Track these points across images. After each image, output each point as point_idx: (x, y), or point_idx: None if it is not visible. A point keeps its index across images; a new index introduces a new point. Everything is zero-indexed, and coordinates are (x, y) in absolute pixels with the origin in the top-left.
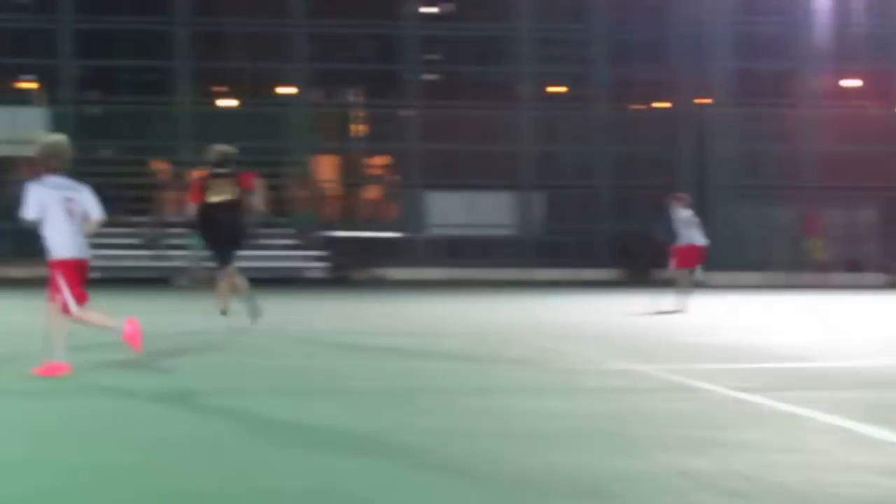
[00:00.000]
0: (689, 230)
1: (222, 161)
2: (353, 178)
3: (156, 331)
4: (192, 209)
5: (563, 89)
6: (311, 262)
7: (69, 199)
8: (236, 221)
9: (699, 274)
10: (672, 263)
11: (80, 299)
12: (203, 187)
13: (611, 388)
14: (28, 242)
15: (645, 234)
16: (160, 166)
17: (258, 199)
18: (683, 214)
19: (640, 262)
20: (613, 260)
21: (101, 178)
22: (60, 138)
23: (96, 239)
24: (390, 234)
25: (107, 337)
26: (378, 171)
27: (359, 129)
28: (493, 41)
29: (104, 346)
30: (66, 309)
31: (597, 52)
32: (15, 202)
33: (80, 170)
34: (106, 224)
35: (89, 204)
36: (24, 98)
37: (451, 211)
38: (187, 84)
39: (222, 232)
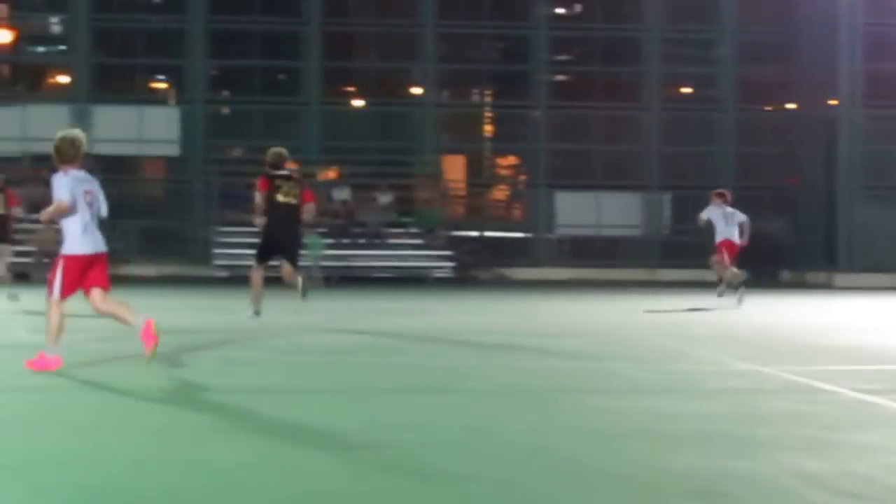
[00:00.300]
0: (730, 227)
1: (278, 162)
2: (479, 178)
3: (273, 328)
4: (259, 200)
5: (689, 90)
6: (436, 261)
7: (88, 193)
8: (297, 225)
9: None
10: (718, 259)
11: (103, 285)
12: (272, 185)
13: (731, 388)
14: (153, 241)
15: (769, 235)
16: (289, 166)
17: (310, 210)
18: (726, 211)
19: (766, 263)
20: (738, 261)
21: (229, 178)
22: (78, 131)
23: (224, 238)
24: (516, 234)
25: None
26: (505, 171)
27: (486, 129)
28: (621, 42)
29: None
30: (49, 292)
31: (724, 53)
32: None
33: (209, 168)
34: (235, 223)
35: (101, 198)
36: (155, 98)
37: (576, 211)
38: (316, 84)
39: (285, 233)
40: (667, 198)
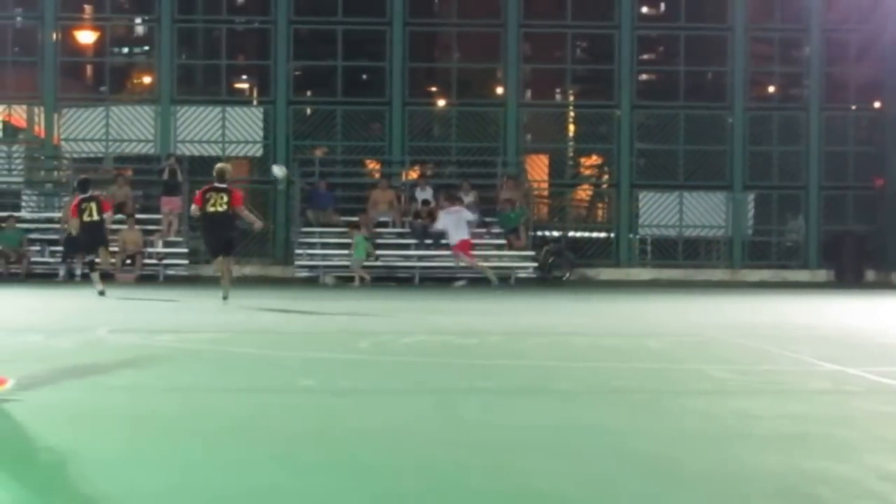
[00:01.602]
0: None
1: (220, 177)
2: (562, 178)
3: (356, 329)
4: (195, 212)
5: (774, 89)
6: (520, 262)
7: None
8: (226, 228)
9: None
10: None
11: None
12: (204, 198)
13: (816, 389)
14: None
15: (854, 235)
16: (372, 166)
17: (247, 213)
18: None
19: (851, 263)
20: (822, 261)
21: (312, 178)
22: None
23: (306, 239)
24: (599, 234)
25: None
26: (588, 171)
27: (569, 128)
28: (706, 40)
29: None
30: None
31: (810, 52)
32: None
33: (292, 169)
34: (318, 223)
35: None
36: (238, 99)
37: (659, 211)
38: (399, 84)
39: (216, 236)
40: (751, 198)
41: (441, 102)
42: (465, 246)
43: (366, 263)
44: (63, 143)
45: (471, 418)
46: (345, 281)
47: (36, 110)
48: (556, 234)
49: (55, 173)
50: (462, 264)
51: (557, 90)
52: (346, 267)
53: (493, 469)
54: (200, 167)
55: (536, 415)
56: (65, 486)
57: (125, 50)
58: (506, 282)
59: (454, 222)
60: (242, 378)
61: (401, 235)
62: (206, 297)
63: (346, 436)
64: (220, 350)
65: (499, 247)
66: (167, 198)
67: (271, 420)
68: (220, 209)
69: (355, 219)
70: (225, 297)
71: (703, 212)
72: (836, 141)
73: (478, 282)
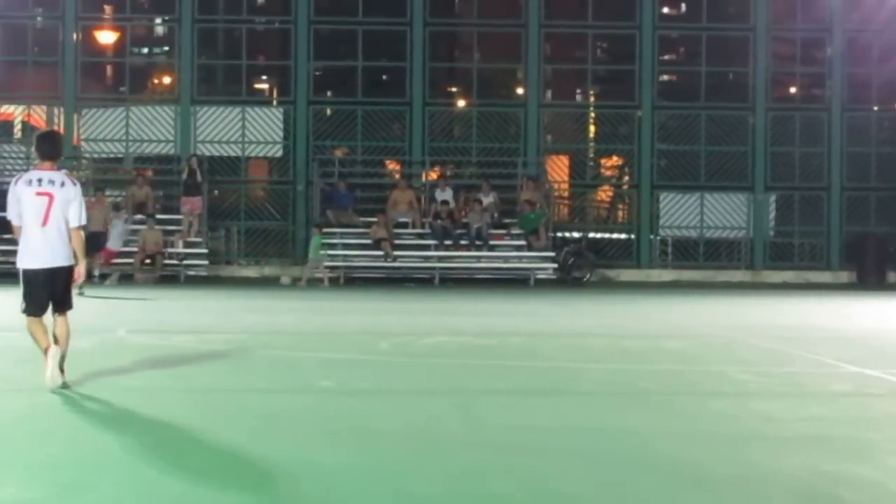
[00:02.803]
0: None
1: None
2: (583, 178)
3: (374, 331)
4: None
5: (796, 89)
6: (540, 263)
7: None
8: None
9: None
10: None
11: None
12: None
13: (838, 391)
14: (255, 241)
15: (877, 237)
16: (392, 166)
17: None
18: None
19: (873, 264)
20: (845, 262)
21: (332, 178)
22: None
23: (327, 240)
24: (619, 235)
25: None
26: (609, 172)
27: (590, 129)
28: (728, 41)
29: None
30: None
31: (832, 52)
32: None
33: (312, 169)
34: (340, 224)
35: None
36: (258, 99)
37: (680, 212)
38: (420, 84)
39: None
40: (772, 199)
41: (461, 103)
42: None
43: (385, 263)
44: (83, 143)
45: (490, 420)
46: (295, 281)
47: (56, 110)
48: (576, 234)
49: (75, 174)
50: None
51: (578, 90)
52: (367, 267)
53: (511, 471)
54: (220, 167)
55: (556, 417)
56: (83, 487)
57: (145, 50)
58: (525, 283)
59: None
60: (261, 379)
61: (420, 236)
62: (226, 298)
63: (365, 437)
64: (237, 351)
65: (519, 248)
66: (187, 198)
67: (289, 422)
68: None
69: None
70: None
71: (724, 213)
72: (859, 142)
73: (500, 282)
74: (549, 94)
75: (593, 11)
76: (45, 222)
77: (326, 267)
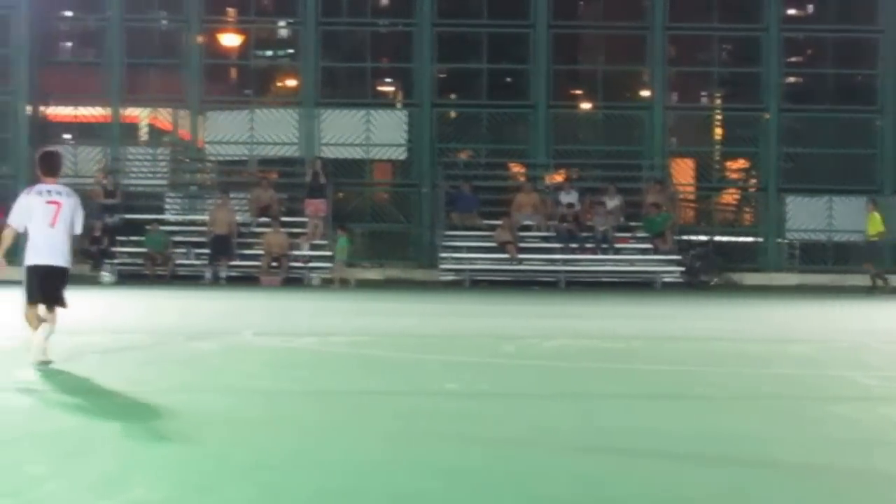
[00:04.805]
0: None
1: None
2: (709, 181)
3: (499, 333)
4: None
5: None
6: (665, 266)
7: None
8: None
9: None
10: None
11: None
12: None
13: None
14: (379, 244)
15: None
16: (517, 169)
17: None
18: None
19: None
20: None
21: (456, 181)
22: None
23: (450, 242)
24: (745, 238)
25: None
26: (734, 175)
27: (716, 132)
28: (855, 43)
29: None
30: None
31: None
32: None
33: (436, 171)
34: (463, 227)
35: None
36: (382, 101)
37: (807, 215)
38: (544, 87)
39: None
40: None
41: (585, 105)
42: None
43: (509, 266)
44: (207, 145)
45: (612, 424)
46: (327, 282)
47: (181, 113)
48: (702, 238)
49: (199, 176)
50: None
51: (703, 93)
52: (491, 270)
53: (633, 475)
54: (344, 170)
55: (678, 421)
56: (208, 489)
57: (269, 53)
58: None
59: None
60: (384, 382)
61: (545, 239)
62: (349, 300)
63: (489, 440)
64: (361, 353)
65: (644, 251)
66: (311, 200)
67: (414, 424)
68: None
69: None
70: None
71: (851, 216)
72: None
73: (625, 286)
74: (673, 96)
75: (718, 13)
76: (53, 223)
77: (448, 269)
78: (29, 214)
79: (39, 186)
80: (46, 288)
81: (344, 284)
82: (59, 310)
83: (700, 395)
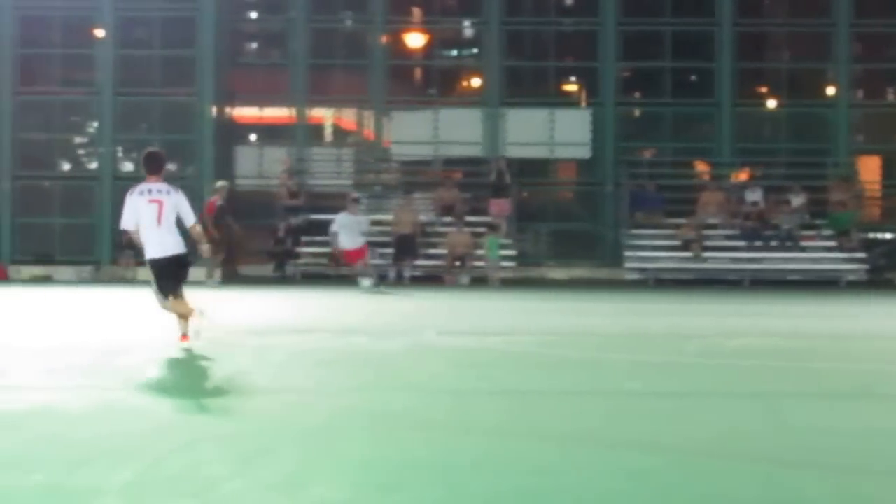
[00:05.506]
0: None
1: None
2: (895, 179)
3: (683, 332)
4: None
5: None
6: (849, 264)
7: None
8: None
9: None
10: None
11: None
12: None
13: None
14: (564, 243)
15: None
16: (701, 167)
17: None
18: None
19: None
20: None
21: (640, 180)
22: None
23: (635, 241)
24: None
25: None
26: None
27: None
28: None
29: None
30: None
31: None
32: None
33: (620, 170)
34: (647, 225)
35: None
36: (566, 100)
37: None
38: (728, 85)
39: None
40: None
41: (770, 103)
42: (358, 255)
43: (693, 265)
44: (392, 145)
45: (799, 423)
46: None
47: (365, 113)
48: (887, 235)
49: (383, 176)
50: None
51: (890, 90)
52: (675, 269)
53: (822, 476)
54: (528, 169)
55: (864, 420)
56: (393, 487)
57: (453, 52)
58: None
59: (350, 227)
60: (568, 380)
61: (729, 237)
62: (534, 299)
63: (675, 441)
64: (545, 353)
65: (829, 249)
66: (495, 200)
67: (596, 425)
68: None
69: (674, 222)
70: None
71: None
72: None
73: (810, 284)
74: (859, 93)
75: None
76: (158, 222)
77: (632, 268)
78: (137, 214)
79: (142, 186)
80: (169, 275)
81: (492, 284)
82: (200, 298)
83: (888, 394)
